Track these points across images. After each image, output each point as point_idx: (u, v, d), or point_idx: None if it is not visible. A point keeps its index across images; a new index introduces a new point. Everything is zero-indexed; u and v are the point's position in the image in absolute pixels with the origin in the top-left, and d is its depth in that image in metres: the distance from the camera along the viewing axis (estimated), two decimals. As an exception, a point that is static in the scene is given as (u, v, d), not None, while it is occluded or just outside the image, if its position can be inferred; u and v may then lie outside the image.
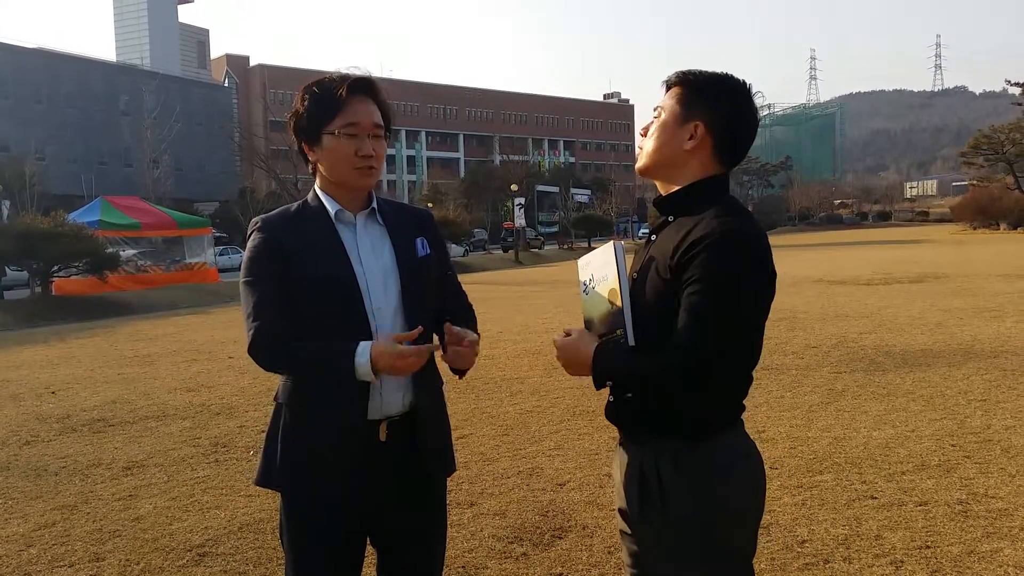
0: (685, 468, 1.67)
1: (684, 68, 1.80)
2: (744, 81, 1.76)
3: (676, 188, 1.76)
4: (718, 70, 1.77)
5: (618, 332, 1.71)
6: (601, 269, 1.78)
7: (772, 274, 1.68)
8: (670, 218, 1.76)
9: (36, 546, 3.76)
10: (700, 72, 1.77)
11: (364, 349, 1.77)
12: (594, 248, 1.86)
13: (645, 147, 1.81)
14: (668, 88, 1.80)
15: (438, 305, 2.03)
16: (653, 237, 1.80)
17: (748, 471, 1.72)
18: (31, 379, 8.65)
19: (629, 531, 1.82)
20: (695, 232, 1.62)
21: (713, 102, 1.73)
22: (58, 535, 3.90)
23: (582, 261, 1.88)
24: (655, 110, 1.82)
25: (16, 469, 5.12)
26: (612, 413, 1.83)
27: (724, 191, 1.76)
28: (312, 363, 1.85)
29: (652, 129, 1.80)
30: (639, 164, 1.84)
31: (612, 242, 1.79)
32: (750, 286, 1.61)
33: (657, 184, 1.83)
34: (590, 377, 1.72)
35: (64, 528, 3.99)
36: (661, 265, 1.67)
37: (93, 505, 4.33)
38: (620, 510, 1.84)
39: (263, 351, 1.84)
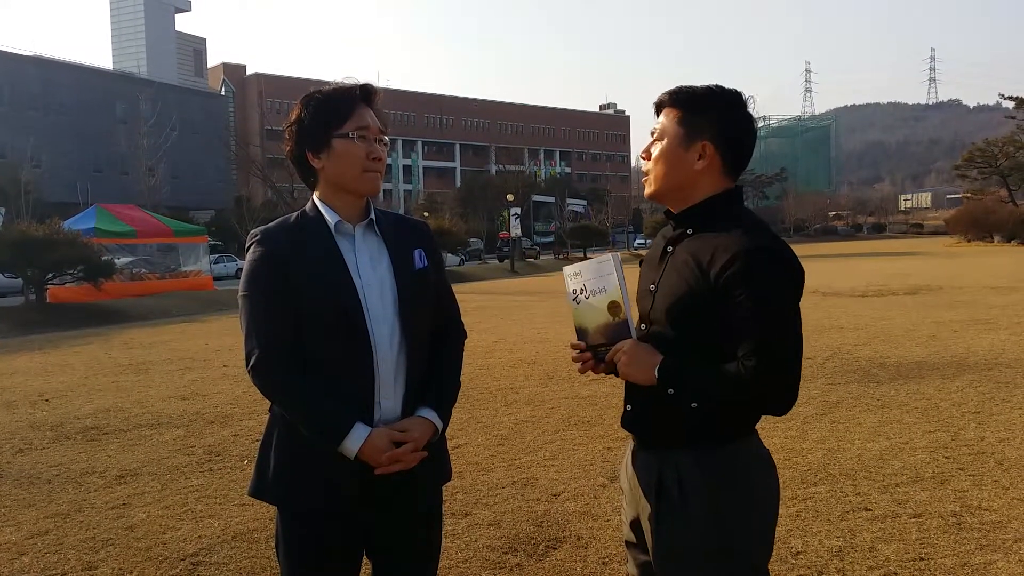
0: (706, 474, 1.68)
1: (673, 87, 1.78)
2: (736, 91, 1.77)
3: (692, 204, 1.76)
4: (709, 83, 1.77)
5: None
6: (597, 280, 1.77)
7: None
8: (688, 231, 1.75)
9: (28, 554, 3.75)
10: (691, 89, 1.76)
11: (358, 437, 1.80)
12: (589, 258, 1.86)
13: (653, 172, 1.79)
14: (661, 109, 1.79)
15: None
16: (670, 248, 1.78)
17: (766, 476, 1.74)
18: (25, 386, 8.61)
19: (636, 542, 1.82)
20: (731, 247, 1.63)
21: (715, 119, 1.72)
22: (51, 543, 3.88)
23: (570, 270, 1.86)
24: (653, 132, 1.80)
25: (9, 477, 5.09)
26: (629, 422, 1.83)
27: (742, 204, 1.78)
28: (303, 417, 1.85)
29: (656, 153, 1.78)
30: (649, 190, 1.82)
31: (609, 253, 1.80)
32: (798, 296, 1.67)
33: (668, 205, 1.83)
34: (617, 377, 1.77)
35: (57, 536, 3.97)
36: (692, 278, 1.67)
37: (86, 513, 4.31)
38: (631, 521, 1.83)
39: (260, 378, 1.86)
